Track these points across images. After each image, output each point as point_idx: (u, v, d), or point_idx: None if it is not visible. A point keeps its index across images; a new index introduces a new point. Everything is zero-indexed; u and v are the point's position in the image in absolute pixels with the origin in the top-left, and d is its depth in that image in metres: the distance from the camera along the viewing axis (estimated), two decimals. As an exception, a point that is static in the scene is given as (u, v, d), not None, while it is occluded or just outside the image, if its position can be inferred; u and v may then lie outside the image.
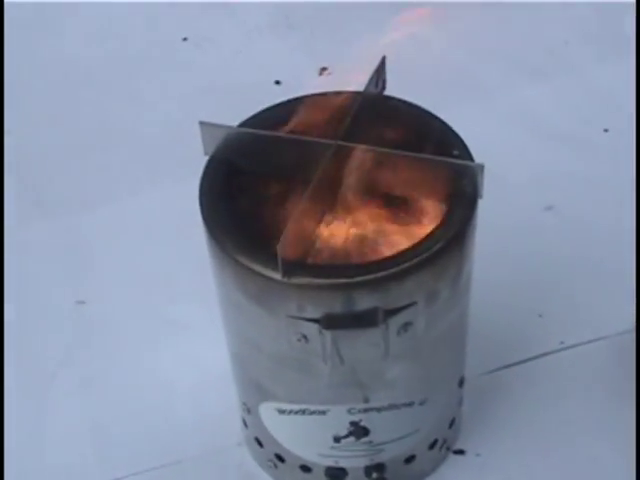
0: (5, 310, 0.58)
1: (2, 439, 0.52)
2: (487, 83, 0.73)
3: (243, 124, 0.43)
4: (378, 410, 0.44)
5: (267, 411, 0.45)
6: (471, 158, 0.41)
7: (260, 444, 0.49)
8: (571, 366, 0.54)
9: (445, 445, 0.50)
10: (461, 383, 0.48)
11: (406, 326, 0.39)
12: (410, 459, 0.48)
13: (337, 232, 0.39)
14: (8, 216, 0.63)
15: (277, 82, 0.71)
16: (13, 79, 0.72)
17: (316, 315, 0.38)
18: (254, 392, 0.46)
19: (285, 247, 0.36)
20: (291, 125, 0.42)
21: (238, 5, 0.80)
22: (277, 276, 0.37)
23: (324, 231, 0.39)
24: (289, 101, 0.43)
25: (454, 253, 0.39)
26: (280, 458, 0.48)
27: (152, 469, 0.51)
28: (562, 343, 0.55)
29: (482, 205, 0.60)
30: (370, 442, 0.45)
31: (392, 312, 0.38)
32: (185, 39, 0.77)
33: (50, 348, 0.57)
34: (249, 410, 0.47)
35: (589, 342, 0.55)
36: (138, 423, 0.53)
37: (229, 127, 0.41)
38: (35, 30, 0.78)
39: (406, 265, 0.37)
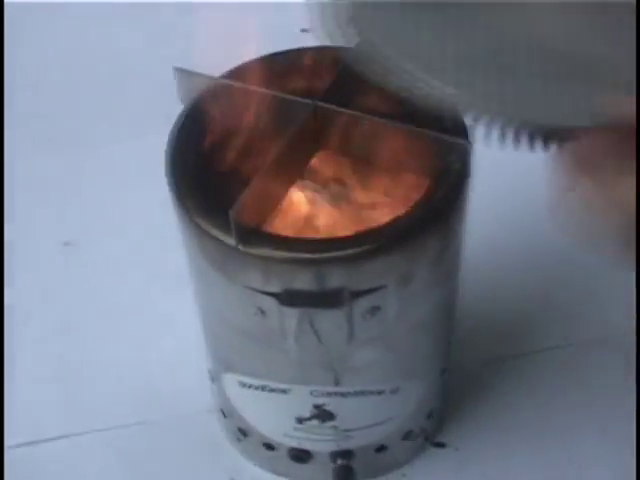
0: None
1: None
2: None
3: (224, 76, 0.39)
4: (343, 395, 0.40)
5: (230, 382, 0.43)
6: (465, 133, 0.37)
7: (224, 415, 0.46)
8: (572, 364, 0.51)
9: (423, 436, 0.47)
10: (442, 374, 0.45)
11: (373, 310, 0.36)
12: (381, 448, 0.45)
13: (304, 201, 0.36)
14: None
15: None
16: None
17: (274, 289, 0.35)
18: (217, 361, 0.43)
19: (241, 212, 0.33)
20: (274, 80, 0.38)
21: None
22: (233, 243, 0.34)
23: (290, 198, 0.36)
24: (277, 54, 0.40)
25: (432, 235, 0.35)
26: (244, 432, 0.46)
27: (116, 427, 0.49)
28: (566, 339, 0.52)
29: (496, 192, 0.58)
30: (335, 427, 0.43)
31: (358, 294, 0.35)
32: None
33: (29, 287, 0.55)
34: (213, 379, 0.45)
35: (594, 340, 0.51)
36: (109, 378, 0.51)
37: (207, 77, 0.38)
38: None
39: (375, 244, 0.34)
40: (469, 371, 0.50)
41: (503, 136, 0.30)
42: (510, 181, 0.59)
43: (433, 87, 0.30)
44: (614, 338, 0.51)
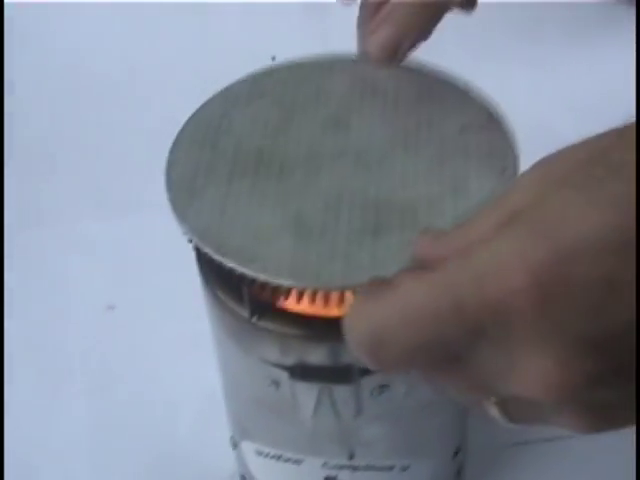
0: (37, 307, 0.59)
1: (2, 432, 0.52)
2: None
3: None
4: (354, 468, 0.42)
5: (248, 450, 0.44)
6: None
7: (244, 481, 0.48)
8: (593, 454, 0.51)
9: (437, 516, 0.47)
10: (456, 455, 0.46)
11: (382, 388, 0.37)
12: (394, 524, 0.46)
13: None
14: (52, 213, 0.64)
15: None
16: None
17: (287, 362, 0.37)
18: (237, 428, 0.44)
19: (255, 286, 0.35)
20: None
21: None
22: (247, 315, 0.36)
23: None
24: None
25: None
26: (262, 499, 0.47)
27: (141, 488, 0.51)
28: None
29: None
30: (347, 500, 0.44)
31: (367, 371, 0.36)
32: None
33: (72, 348, 0.57)
34: (235, 445, 0.46)
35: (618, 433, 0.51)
36: (137, 438, 0.52)
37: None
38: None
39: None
40: (486, 455, 0.50)
41: None
42: None
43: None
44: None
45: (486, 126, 0.38)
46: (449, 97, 0.40)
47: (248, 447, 0.44)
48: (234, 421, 0.44)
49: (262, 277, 0.32)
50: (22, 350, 0.57)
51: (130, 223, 0.62)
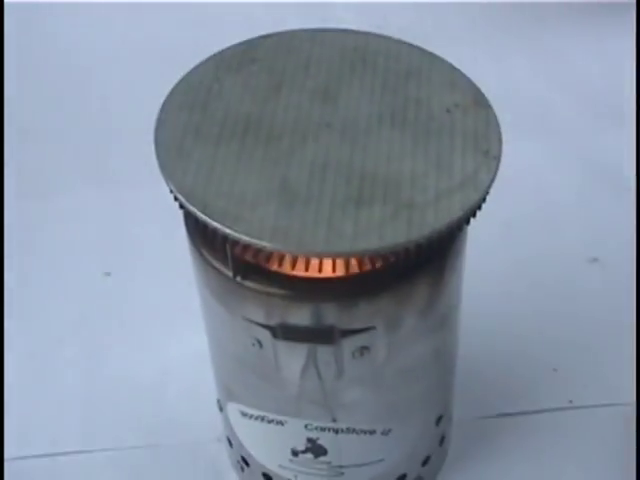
0: (35, 274, 0.60)
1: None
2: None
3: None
4: (335, 431, 0.43)
5: (233, 412, 0.45)
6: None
7: (230, 443, 0.49)
8: (574, 427, 0.52)
9: (417, 482, 0.49)
10: (439, 421, 0.47)
11: (362, 350, 0.38)
12: (374, 489, 0.47)
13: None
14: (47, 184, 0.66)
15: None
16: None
17: (270, 322, 0.38)
18: (222, 390, 0.46)
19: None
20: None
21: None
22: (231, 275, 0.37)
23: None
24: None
25: (421, 283, 0.37)
26: (245, 461, 0.48)
27: (129, 448, 0.52)
28: (570, 402, 0.53)
29: (519, 241, 0.60)
30: (329, 463, 0.44)
31: (347, 332, 0.37)
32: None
33: (67, 314, 0.58)
34: (221, 408, 0.47)
35: (598, 406, 0.52)
36: (127, 400, 0.54)
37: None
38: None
39: (364, 287, 0.36)
40: (469, 424, 0.52)
41: None
42: (517, 230, 0.62)
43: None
44: (617, 406, 0.52)
45: (472, 108, 0.39)
46: (438, 76, 0.40)
47: (233, 408, 0.45)
48: (220, 383, 0.45)
49: (245, 239, 0.33)
50: (19, 315, 0.58)
51: (125, 192, 0.64)
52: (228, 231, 0.33)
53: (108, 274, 0.60)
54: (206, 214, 0.34)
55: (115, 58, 0.76)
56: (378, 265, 0.36)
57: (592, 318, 0.57)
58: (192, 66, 0.40)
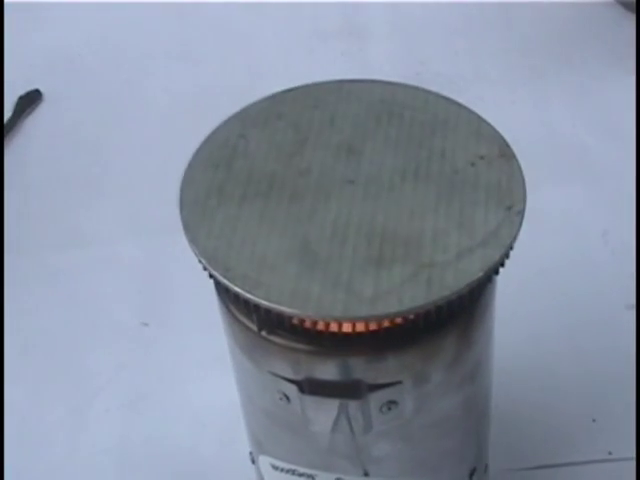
0: (72, 324, 0.61)
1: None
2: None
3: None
4: (366, 485, 0.42)
5: (264, 464, 0.45)
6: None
7: (264, 497, 0.49)
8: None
9: (453, 535, 0.48)
10: (472, 474, 0.46)
11: (390, 404, 0.38)
12: (408, 543, 0.46)
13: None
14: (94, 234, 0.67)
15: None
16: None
17: (296, 377, 0.38)
18: (254, 443, 0.46)
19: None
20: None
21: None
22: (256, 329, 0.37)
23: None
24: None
25: (447, 337, 0.37)
26: (279, 514, 0.48)
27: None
28: (610, 454, 0.52)
29: (555, 288, 0.60)
30: (361, 516, 0.44)
31: (375, 387, 0.37)
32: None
33: (104, 365, 0.59)
34: (253, 460, 0.47)
35: (637, 458, 0.51)
36: (162, 453, 0.54)
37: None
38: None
39: (389, 342, 0.36)
40: (505, 476, 0.51)
41: None
42: (553, 276, 0.61)
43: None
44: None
45: (497, 160, 0.39)
46: (464, 127, 0.40)
47: (264, 461, 0.45)
48: (251, 436, 0.46)
49: (264, 303, 0.34)
50: (55, 366, 0.59)
51: (162, 242, 0.64)
52: (248, 295, 0.34)
53: (146, 324, 0.61)
54: (227, 278, 0.34)
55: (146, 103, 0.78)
56: (403, 322, 0.36)
57: (631, 367, 0.56)
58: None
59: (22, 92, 0.78)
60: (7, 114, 0.76)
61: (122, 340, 0.60)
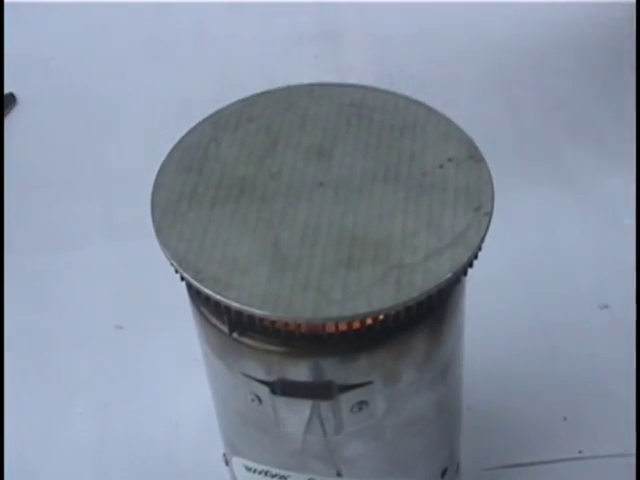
0: (46, 327, 0.61)
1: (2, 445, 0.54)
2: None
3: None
4: (339, 485, 0.43)
5: (237, 466, 0.45)
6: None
7: (237, 498, 0.49)
8: (583, 478, 0.51)
9: (425, 534, 0.48)
10: (444, 474, 0.46)
11: (360, 404, 0.39)
12: (380, 542, 0.47)
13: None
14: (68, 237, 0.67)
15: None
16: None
17: (268, 378, 0.38)
18: (227, 445, 0.46)
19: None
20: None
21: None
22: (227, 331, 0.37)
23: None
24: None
25: (417, 338, 0.38)
26: (252, 515, 0.48)
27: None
28: (580, 452, 0.53)
29: (531, 291, 0.60)
30: (334, 517, 0.45)
31: (346, 388, 0.38)
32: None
33: (79, 367, 0.59)
34: (227, 462, 0.47)
35: (608, 456, 0.52)
36: (138, 454, 0.54)
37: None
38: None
39: (360, 343, 0.37)
40: (476, 475, 0.51)
41: None
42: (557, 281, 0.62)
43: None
44: (627, 456, 0.52)
45: (466, 162, 0.39)
46: (433, 130, 0.41)
47: (237, 463, 0.45)
48: (224, 437, 0.46)
49: (235, 305, 0.34)
50: (30, 368, 0.59)
51: (135, 246, 0.64)
52: (219, 297, 0.34)
53: (120, 327, 0.61)
54: (198, 280, 0.35)
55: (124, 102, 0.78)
56: (373, 323, 0.37)
57: (603, 366, 0.57)
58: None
59: (-5, 95, 0.78)
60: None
61: (97, 343, 0.60)
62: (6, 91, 0.79)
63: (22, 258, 0.65)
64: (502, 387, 0.55)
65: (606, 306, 0.60)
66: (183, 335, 0.57)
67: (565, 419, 0.54)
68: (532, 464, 0.52)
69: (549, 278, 0.62)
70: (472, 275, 0.37)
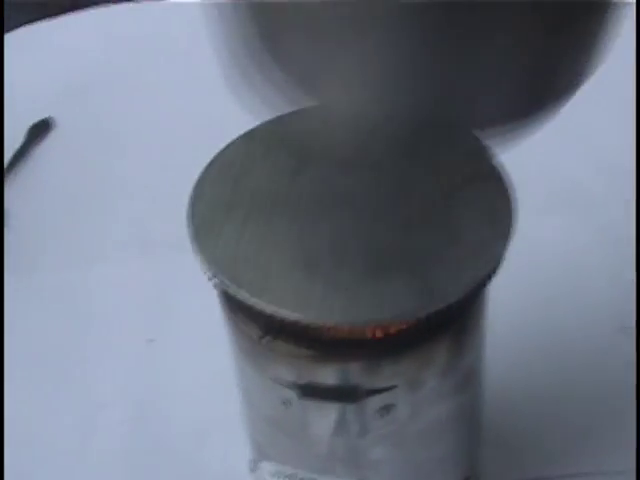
0: (78, 340, 0.63)
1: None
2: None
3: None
4: (365, 490, 0.44)
5: (265, 470, 0.47)
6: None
7: (264, 503, 0.51)
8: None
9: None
10: (465, 482, 0.48)
11: (386, 408, 0.40)
12: None
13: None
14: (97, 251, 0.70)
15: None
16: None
17: (296, 382, 0.40)
18: (255, 449, 0.48)
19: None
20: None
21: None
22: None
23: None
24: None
25: (439, 345, 0.40)
26: (280, 521, 0.50)
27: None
28: (600, 467, 0.54)
29: (547, 308, 0.62)
30: (358, 520, 0.46)
31: (372, 392, 0.40)
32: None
33: (110, 380, 0.61)
34: (251, 468, 0.49)
35: (627, 471, 0.53)
36: (167, 465, 0.56)
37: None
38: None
39: (384, 349, 0.39)
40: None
41: None
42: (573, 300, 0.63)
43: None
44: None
45: (491, 179, 0.41)
46: (461, 146, 0.43)
47: (265, 467, 0.47)
48: (252, 442, 0.48)
49: (268, 309, 0.36)
50: (63, 380, 0.61)
51: (167, 259, 0.66)
52: (253, 300, 0.36)
53: (151, 341, 0.63)
54: (234, 284, 0.37)
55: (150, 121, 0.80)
56: (399, 329, 0.39)
57: (622, 383, 0.58)
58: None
59: (33, 120, 0.81)
60: (18, 142, 0.79)
61: (129, 356, 0.62)
62: (43, 116, 0.81)
63: (57, 273, 0.67)
64: (522, 402, 0.56)
65: (627, 328, 0.61)
66: (213, 348, 0.59)
67: (584, 435, 0.55)
68: (553, 477, 0.54)
69: (568, 296, 0.63)
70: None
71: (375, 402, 0.40)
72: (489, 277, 0.38)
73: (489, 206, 0.40)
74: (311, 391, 0.40)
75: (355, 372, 0.39)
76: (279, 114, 0.44)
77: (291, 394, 0.40)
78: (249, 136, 0.43)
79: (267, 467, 0.46)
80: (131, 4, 0.92)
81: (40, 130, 0.81)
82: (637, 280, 0.61)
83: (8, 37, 0.88)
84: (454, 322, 0.40)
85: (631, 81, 0.79)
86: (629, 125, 0.76)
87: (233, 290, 0.37)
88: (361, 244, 0.38)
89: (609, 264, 0.66)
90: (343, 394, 0.40)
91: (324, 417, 0.41)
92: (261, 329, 0.39)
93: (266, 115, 0.42)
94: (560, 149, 0.77)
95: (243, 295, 0.36)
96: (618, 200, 0.71)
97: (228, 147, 0.43)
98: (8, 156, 0.77)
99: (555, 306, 0.63)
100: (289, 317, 0.36)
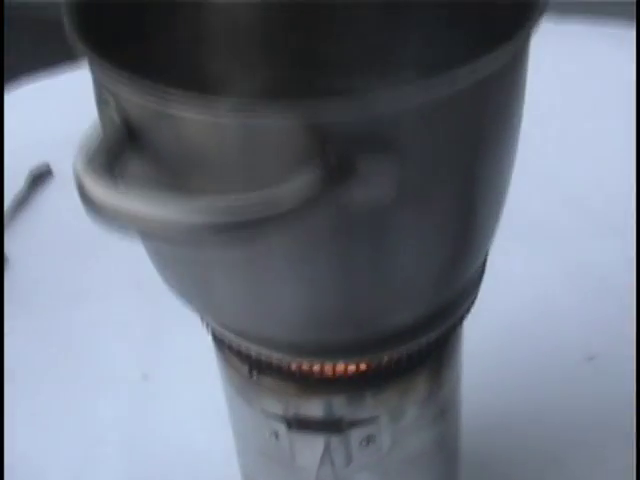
0: (73, 375, 0.66)
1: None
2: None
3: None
4: (351, 517, 0.47)
5: (256, 500, 0.50)
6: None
7: (256, 533, 0.53)
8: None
9: None
10: (445, 509, 0.51)
11: (369, 438, 0.43)
12: None
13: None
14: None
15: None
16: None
17: (285, 415, 0.43)
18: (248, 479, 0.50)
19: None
20: None
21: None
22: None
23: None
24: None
25: (420, 377, 0.42)
26: None
27: None
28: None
29: (517, 340, 0.65)
30: None
31: (355, 423, 0.42)
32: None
33: (105, 415, 0.63)
34: (246, 499, 0.52)
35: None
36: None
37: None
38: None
39: (367, 381, 0.41)
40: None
41: None
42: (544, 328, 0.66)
43: None
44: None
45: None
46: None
47: (258, 498, 0.49)
48: (244, 474, 0.50)
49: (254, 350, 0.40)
50: (58, 415, 0.63)
51: (162, 296, 0.69)
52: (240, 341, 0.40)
53: (146, 377, 0.66)
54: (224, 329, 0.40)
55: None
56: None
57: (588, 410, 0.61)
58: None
59: (33, 167, 0.84)
60: (17, 188, 0.82)
61: (124, 391, 0.65)
62: (42, 163, 0.84)
63: (55, 313, 0.71)
64: (496, 434, 0.59)
65: (592, 358, 0.64)
66: (205, 384, 0.62)
67: (556, 463, 0.58)
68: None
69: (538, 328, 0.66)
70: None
71: (359, 433, 0.42)
72: (463, 316, 0.41)
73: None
74: (298, 423, 0.42)
75: (339, 404, 0.42)
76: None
77: (279, 426, 0.43)
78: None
79: (259, 497, 0.49)
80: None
81: (40, 176, 0.84)
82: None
83: (10, 92, 0.92)
84: (435, 353, 0.42)
85: (595, 116, 0.82)
86: (593, 159, 0.80)
87: (219, 332, 0.40)
88: None
89: (575, 295, 0.69)
90: (328, 426, 0.42)
91: (311, 448, 0.43)
92: (250, 366, 0.41)
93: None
94: (526, 184, 0.80)
95: (232, 339, 0.40)
96: (584, 232, 0.74)
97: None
98: (8, 203, 0.81)
99: (525, 337, 0.66)
100: (273, 357, 0.39)
